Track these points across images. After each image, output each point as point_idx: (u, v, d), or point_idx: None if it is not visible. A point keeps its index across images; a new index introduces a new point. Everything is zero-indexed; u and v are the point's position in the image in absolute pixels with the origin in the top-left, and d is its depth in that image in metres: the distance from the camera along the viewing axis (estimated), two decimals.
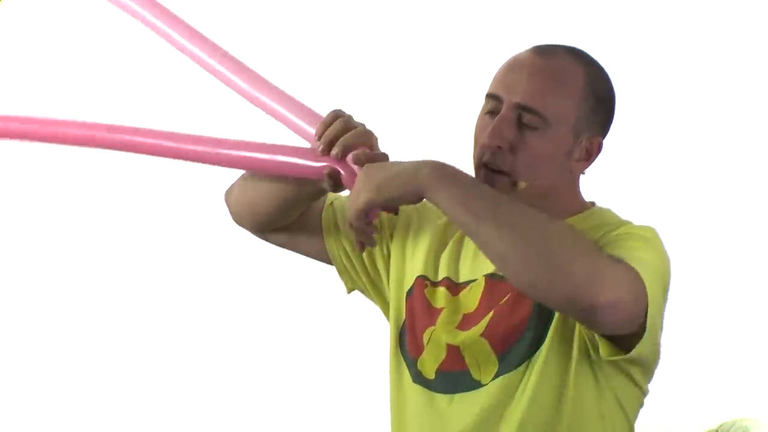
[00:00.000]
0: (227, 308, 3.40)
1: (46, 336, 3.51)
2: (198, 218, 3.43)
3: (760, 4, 3.09)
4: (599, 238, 1.70)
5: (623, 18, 3.17)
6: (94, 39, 3.50)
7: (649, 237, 1.69)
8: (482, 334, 1.74)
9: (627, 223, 1.76)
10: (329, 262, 1.95)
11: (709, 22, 3.13)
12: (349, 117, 1.72)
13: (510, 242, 1.59)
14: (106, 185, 3.49)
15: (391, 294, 1.89)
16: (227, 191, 1.94)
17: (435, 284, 1.84)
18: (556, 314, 1.70)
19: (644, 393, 1.78)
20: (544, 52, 1.78)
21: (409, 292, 1.85)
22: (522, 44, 1.82)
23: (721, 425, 1.94)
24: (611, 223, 1.76)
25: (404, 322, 1.85)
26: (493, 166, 1.74)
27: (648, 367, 1.74)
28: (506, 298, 1.74)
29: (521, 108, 1.73)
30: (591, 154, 1.78)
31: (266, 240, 1.94)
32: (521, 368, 1.71)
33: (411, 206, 1.92)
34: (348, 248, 1.91)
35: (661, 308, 1.67)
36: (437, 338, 1.78)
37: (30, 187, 3.53)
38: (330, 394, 3.37)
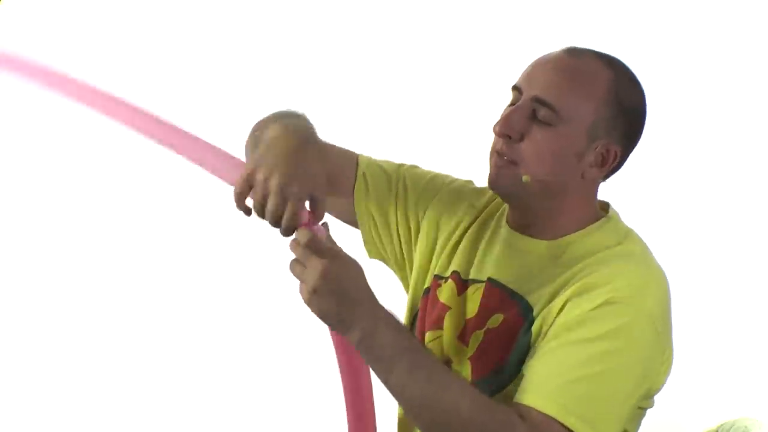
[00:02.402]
0: (228, 303, 3.40)
1: (46, 336, 3.51)
2: (198, 216, 3.44)
3: (761, 4, 3.09)
4: (568, 298, 1.66)
5: (625, 21, 3.18)
6: (93, 39, 3.51)
7: (622, 308, 1.63)
8: (470, 357, 1.74)
9: (610, 265, 1.69)
10: (357, 225, 1.93)
11: (709, 23, 3.13)
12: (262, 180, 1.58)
13: (415, 421, 1.59)
14: (105, 185, 3.50)
15: (411, 286, 1.89)
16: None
17: (445, 279, 1.83)
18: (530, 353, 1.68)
19: (647, 408, 1.78)
20: (574, 52, 1.76)
21: (426, 291, 1.86)
22: (534, 49, 1.83)
23: (721, 425, 1.94)
24: (602, 254, 1.71)
25: (416, 316, 1.86)
26: (503, 155, 1.73)
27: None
28: (499, 322, 1.73)
29: (537, 101, 1.71)
30: (606, 161, 1.75)
31: None
32: (497, 398, 1.68)
33: (453, 188, 1.91)
34: (378, 221, 1.90)
35: (619, 413, 1.63)
36: (439, 345, 1.78)
37: (30, 188, 3.54)
38: (334, 391, 3.38)
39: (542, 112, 1.71)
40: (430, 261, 1.88)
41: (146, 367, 3.47)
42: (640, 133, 1.79)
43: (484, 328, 1.74)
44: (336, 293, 1.52)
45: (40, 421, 3.49)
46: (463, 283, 1.81)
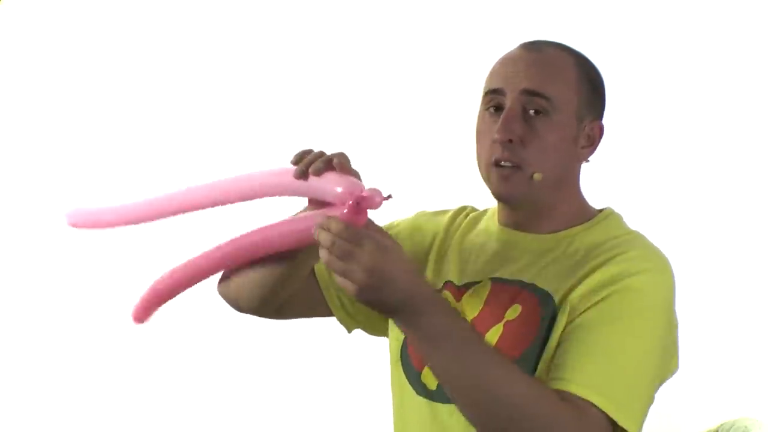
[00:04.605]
0: (228, 314, 3.40)
1: (47, 336, 3.51)
2: (198, 219, 3.43)
3: (760, 4, 3.09)
4: (591, 292, 1.67)
5: (622, 19, 3.18)
6: (94, 39, 3.50)
7: (646, 292, 1.67)
8: None
9: (628, 251, 1.72)
10: (317, 314, 1.91)
11: (709, 23, 3.13)
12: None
13: (462, 405, 1.59)
14: (107, 185, 3.50)
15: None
16: (222, 284, 1.91)
17: (438, 292, 1.80)
18: (549, 345, 1.68)
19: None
20: (533, 46, 1.79)
21: None
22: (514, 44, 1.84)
23: (721, 425, 1.94)
24: (613, 242, 1.74)
25: (405, 337, 1.83)
26: (506, 162, 1.73)
27: None
28: (518, 313, 1.73)
29: (528, 93, 1.73)
30: (594, 140, 1.79)
31: (280, 317, 1.92)
32: None
33: (406, 225, 1.92)
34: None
35: (649, 394, 1.68)
36: None
37: (30, 188, 3.53)
38: (334, 405, 3.37)
39: (536, 103, 1.73)
40: None
41: (146, 369, 3.47)
42: (605, 103, 1.84)
43: (503, 321, 1.73)
44: (385, 284, 1.49)
45: (40, 421, 3.49)
46: (458, 290, 1.81)
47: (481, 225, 1.88)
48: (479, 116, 1.79)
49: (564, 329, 1.67)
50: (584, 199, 1.83)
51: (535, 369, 1.69)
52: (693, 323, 2.96)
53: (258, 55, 3.45)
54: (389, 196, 1.53)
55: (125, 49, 3.47)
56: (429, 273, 1.85)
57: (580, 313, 1.66)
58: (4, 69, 3.54)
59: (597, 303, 1.66)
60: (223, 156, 3.39)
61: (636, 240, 1.76)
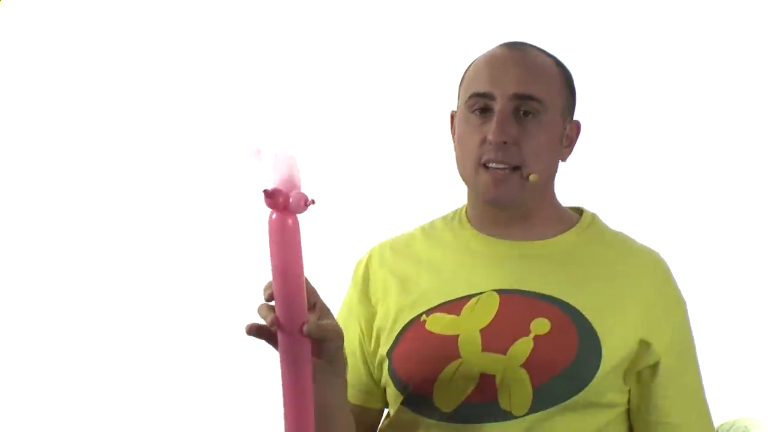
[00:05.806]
0: (224, 312, 3.40)
1: (46, 336, 3.51)
2: (196, 219, 3.43)
3: (758, 4, 3.09)
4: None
5: (596, 19, 3.18)
6: (94, 39, 3.50)
7: (687, 323, 1.88)
8: (523, 365, 1.70)
9: (647, 274, 1.79)
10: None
11: (702, 24, 3.13)
12: None
13: None
14: (106, 186, 3.50)
15: (389, 328, 1.84)
16: None
17: (428, 313, 1.79)
18: (604, 356, 1.70)
19: None
20: (516, 46, 1.80)
21: (410, 323, 1.80)
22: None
23: (721, 425, 1.95)
24: (612, 248, 1.81)
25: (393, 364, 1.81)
26: (500, 164, 1.73)
27: None
28: (549, 328, 1.71)
29: (518, 98, 1.74)
30: (572, 139, 1.81)
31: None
32: (555, 410, 1.69)
33: (359, 274, 1.90)
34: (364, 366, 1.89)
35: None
36: (467, 370, 1.73)
37: (30, 187, 3.53)
38: None
39: (528, 106, 1.74)
40: (399, 304, 1.84)
41: (145, 369, 3.47)
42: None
43: (531, 336, 1.71)
44: None
45: (40, 421, 3.49)
46: (454, 304, 1.78)
47: (447, 237, 1.86)
48: (463, 118, 1.78)
49: (643, 370, 1.77)
50: (557, 198, 1.84)
51: (580, 389, 1.69)
52: (692, 324, 2.96)
53: (240, 57, 3.46)
54: (312, 201, 1.45)
55: (125, 49, 3.48)
56: (409, 298, 1.82)
57: (658, 362, 1.78)
58: (4, 69, 3.54)
59: (668, 351, 1.79)
60: (210, 154, 3.40)
61: (632, 247, 1.81)
